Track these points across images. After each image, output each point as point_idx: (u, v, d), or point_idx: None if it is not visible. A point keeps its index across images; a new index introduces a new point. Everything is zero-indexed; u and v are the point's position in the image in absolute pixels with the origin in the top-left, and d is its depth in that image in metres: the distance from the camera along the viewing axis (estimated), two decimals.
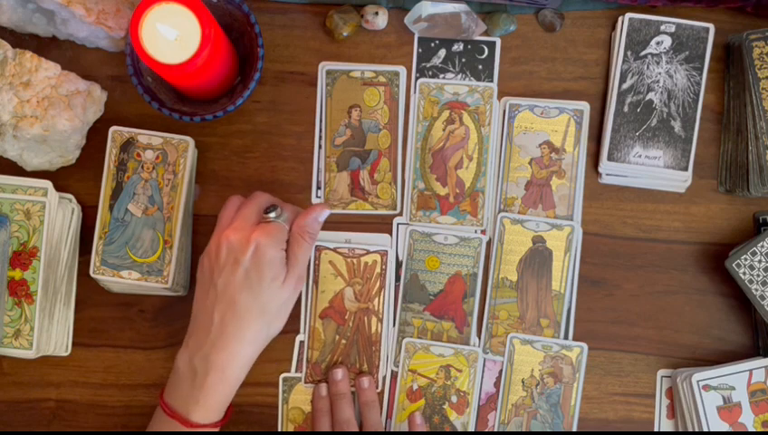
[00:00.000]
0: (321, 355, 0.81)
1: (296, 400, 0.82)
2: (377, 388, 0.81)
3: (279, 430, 0.82)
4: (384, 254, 0.81)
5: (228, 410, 0.74)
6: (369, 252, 0.81)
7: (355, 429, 0.79)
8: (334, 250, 0.81)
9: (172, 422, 0.72)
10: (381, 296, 0.81)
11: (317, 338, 0.81)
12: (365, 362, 0.81)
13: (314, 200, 0.83)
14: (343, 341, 0.81)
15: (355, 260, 0.81)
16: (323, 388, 0.81)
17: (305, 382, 0.81)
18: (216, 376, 0.71)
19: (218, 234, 0.74)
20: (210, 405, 0.72)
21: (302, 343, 0.82)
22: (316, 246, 0.81)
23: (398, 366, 0.82)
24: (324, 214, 0.76)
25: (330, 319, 0.81)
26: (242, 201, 0.75)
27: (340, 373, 0.80)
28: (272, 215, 0.73)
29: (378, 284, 0.81)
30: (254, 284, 0.71)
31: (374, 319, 0.81)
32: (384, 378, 0.82)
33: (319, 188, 0.83)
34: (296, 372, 0.82)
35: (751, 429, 0.78)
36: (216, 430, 0.73)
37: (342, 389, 0.80)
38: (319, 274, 0.82)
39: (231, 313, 0.71)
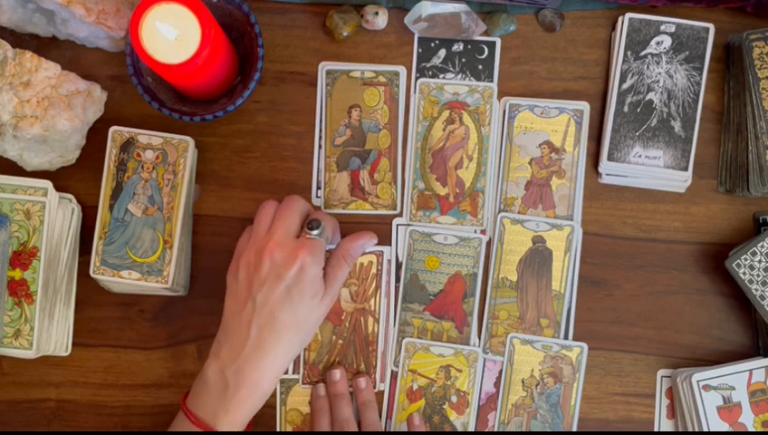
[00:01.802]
0: (318, 356, 0.81)
1: (294, 401, 0.82)
2: (374, 387, 0.81)
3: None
4: (380, 255, 0.81)
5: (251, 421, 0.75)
6: (364, 253, 0.81)
7: (354, 428, 0.79)
8: (328, 252, 0.81)
9: (195, 430, 0.71)
10: (378, 297, 0.81)
11: (314, 339, 0.81)
12: (362, 361, 0.81)
13: (314, 201, 0.83)
14: (340, 341, 0.81)
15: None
16: (321, 388, 0.81)
17: (303, 383, 0.81)
18: (249, 390, 0.72)
19: (257, 244, 0.73)
20: (238, 417, 0.72)
21: None
22: None
23: (398, 366, 0.82)
24: (371, 243, 0.79)
25: (326, 320, 0.81)
26: (277, 207, 0.75)
27: (338, 374, 0.80)
28: (315, 232, 0.74)
29: (374, 284, 0.81)
30: (296, 301, 0.72)
31: (371, 319, 0.81)
32: (381, 377, 0.82)
33: (319, 188, 0.83)
34: (293, 374, 0.82)
35: (751, 429, 0.78)
36: None
37: (341, 389, 0.80)
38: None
39: (269, 328, 0.71)
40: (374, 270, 0.81)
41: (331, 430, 0.79)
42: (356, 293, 0.81)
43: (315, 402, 0.81)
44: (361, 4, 0.83)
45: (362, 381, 0.80)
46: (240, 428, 0.73)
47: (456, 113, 0.83)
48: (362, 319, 0.81)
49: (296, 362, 0.82)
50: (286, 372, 0.82)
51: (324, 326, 0.81)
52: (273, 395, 0.82)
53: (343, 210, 0.83)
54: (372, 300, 0.81)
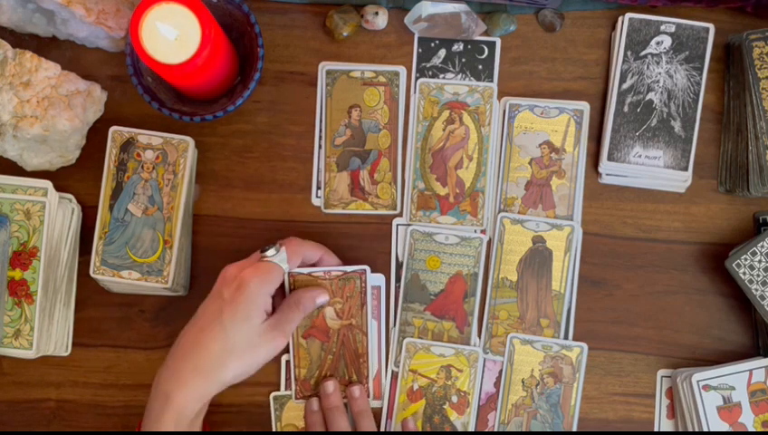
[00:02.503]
0: (308, 372, 0.81)
1: (289, 416, 0.82)
2: (368, 396, 0.81)
3: None
4: (362, 273, 0.80)
5: (205, 428, 0.74)
6: (346, 272, 0.79)
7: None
8: (308, 275, 0.79)
9: None
10: (363, 312, 0.80)
11: (303, 357, 0.80)
12: (354, 373, 0.81)
13: (314, 201, 0.83)
14: (330, 356, 0.80)
15: (332, 281, 0.79)
16: (314, 403, 0.80)
17: (296, 399, 0.81)
18: (162, 403, 0.69)
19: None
20: (160, 429, 0.69)
21: (288, 362, 0.81)
22: (289, 272, 0.78)
23: (398, 366, 0.82)
24: (323, 299, 0.77)
25: (314, 338, 0.80)
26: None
27: (331, 386, 0.79)
28: (268, 253, 0.74)
29: (358, 301, 0.80)
30: (225, 318, 0.70)
31: (359, 333, 0.80)
32: (376, 393, 0.82)
33: (319, 188, 0.83)
34: (286, 390, 0.82)
35: (751, 429, 0.78)
36: None
37: (334, 401, 0.79)
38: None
39: (195, 339, 0.71)
40: (357, 288, 0.80)
41: None
42: (341, 310, 0.80)
43: (309, 417, 0.80)
44: (361, 4, 0.83)
45: (356, 390, 0.80)
46: None
47: (456, 113, 0.83)
48: (350, 334, 0.80)
49: (287, 380, 0.82)
50: (278, 389, 0.82)
51: (312, 344, 0.80)
52: (268, 412, 0.81)
53: (343, 210, 0.83)
54: (358, 315, 0.80)
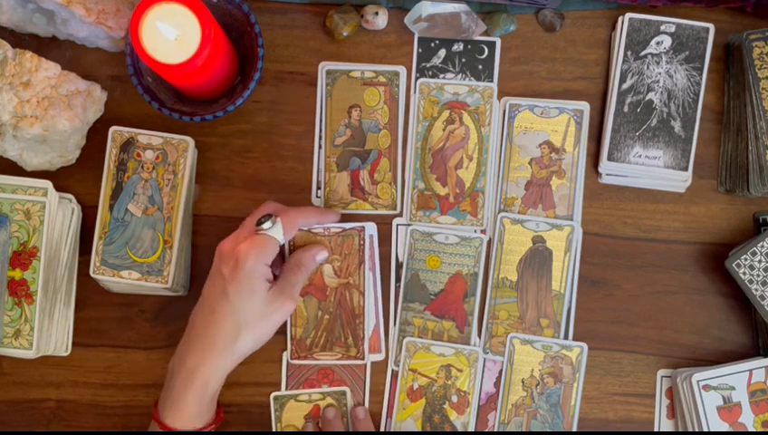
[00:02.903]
0: (304, 332, 0.81)
1: (289, 417, 0.82)
2: (363, 360, 0.81)
3: None
4: (361, 230, 0.80)
5: (218, 419, 0.75)
6: (344, 229, 0.80)
7: None
8: (308, 231, 0.80)
9: (154, 424, 0.73)
10: (361, 271, 0.81)
11: (299, 315, 0.81)
12: (350, 334, 0.81)
13: (314, 201, 0.83)
14: (326, 316, 0.81)
15: (331, 238, 0.80)
16: (330, 411, 0.81)
17: (291, 359, 0.81)
18: (185, 380, 0.71)
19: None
20: (180, 409, 0.72)
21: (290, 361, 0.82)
22: None
23: (398, 365, 0.82)
24: (323, 256, 0.79)
25: (311, 296, 0.81)
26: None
27: (362, 412, 0.80)
28: (264, 226, 0.74)
29: (356, 259, 0.81)
30: (231, 294, 0.71)
31: (356, 293, 0.81)
32: (373, 348, 0.82)
33: (319, 188, 0.83)
34: (287, 390, 0.82)
35: (751, 429, 0.78)
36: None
37: (363, 422, 0.80)
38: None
39: (207, 320, 0.72)
40: (356, 245, 0.81)
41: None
42: (339, 268, 0.81)
43: (326, 425, 0.81)
44: (361, 4, 0.83)
45: (360, 411, 0.81)
46: (189, 421, 0.72)
47: (456, 113, 0.83)
48: (347, 293, 0.81)
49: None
50: (279, 389, 0.82)
51: (309, 302, 0.81)
52: (268, 413, 0.82)
53: (343, 210, 0.83)
54: (356, 274, 0.81)
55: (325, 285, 0.81)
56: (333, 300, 0.81)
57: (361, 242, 0.80)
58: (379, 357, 0.82)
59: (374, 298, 0.82)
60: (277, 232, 0.74)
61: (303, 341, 0.81)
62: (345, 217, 0.82)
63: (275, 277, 0.75)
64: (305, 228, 0.79)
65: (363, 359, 0.81)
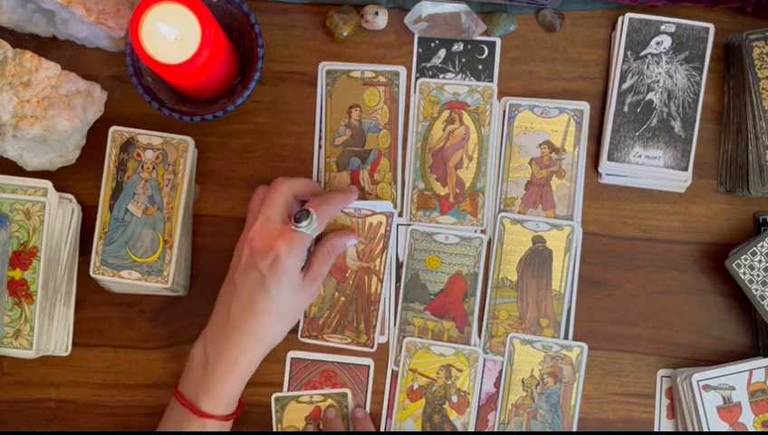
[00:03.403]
0: (319, 311, 0.81)
1: (290, 418, 0.82)
2: (372, 348, 0.81)
3: None
4: (389, 216, 0.81)
5: (239, 407, 0.76)
6: (374, 213, 0.81)
7: None
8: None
9: (184, 410, 0.73)
10: (383, 257, 0.81)
11: None
12: (362, 320, 0.81)
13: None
14: (342, 298, 0.81)
15: (360, 220, 0.81)
16: (331, 411, 0.81)
17: (301, 337, 0.82)
18: (226, 368, 0.73)
19: (245, 232, 0.76)
20: (219, 396, 0.73)
21: (292, 359, 0.82)
22: None
23: (398, 365, 0.82)
24: (353, 242, 0.80)
25: (330, 276, 0.81)
26: (266, 192, 0.76)
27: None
28: (302, 224, 0.74)
29: (381, 244, 0.81)
30: (272, 290, 0.73)
31: (374, 279, 0.81)
32: (381, 329, 0.82)
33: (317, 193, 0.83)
34: (288, 390, 0.82)
35: (751, 429, 0.78)
36: (228, 423, 0.75)
37: (336, 427, 0.81)
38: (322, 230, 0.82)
39: (247, 312, 0.73)
40: (383, 231, 0.81)
41: None
42: (362, 251, 0.81)
43: (327, 425, 0.81)
44: (361, 4, 0.83)
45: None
46: (223, 407, 0.74)
47: (456, 113, 0.83)
48: (366, 278, 0.81)
49: (285, 339, 0.81)
50: (280, 390, 0.82)
51: (328, 282, 0.81)
52: (269, 413, 0.82)
53: (343, 210, 0.83)
54: (378, 260, 0.81)
55: (346, 267, 0.81)
56: (352, 283, 0.81)
57: (388, 228, 0.81)
58: (383, 339, 0.82)
59: (388, 285, 0.82)
60: (314, 229, 0.75)
61: (317, 320, 0.81)
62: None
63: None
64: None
65: (372, 347, 0.81)
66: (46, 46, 0.83)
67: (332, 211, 0.78)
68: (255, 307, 0.73)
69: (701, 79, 0.80)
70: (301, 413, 0.82)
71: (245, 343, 0.73)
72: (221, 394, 0.73)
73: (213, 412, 0.73)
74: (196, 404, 0.73)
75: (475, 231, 0.82)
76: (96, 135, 0.82)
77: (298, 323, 0.82)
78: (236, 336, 0.73)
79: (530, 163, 0.82)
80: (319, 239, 0.79)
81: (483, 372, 0.82)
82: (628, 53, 0.81)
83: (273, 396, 0.82)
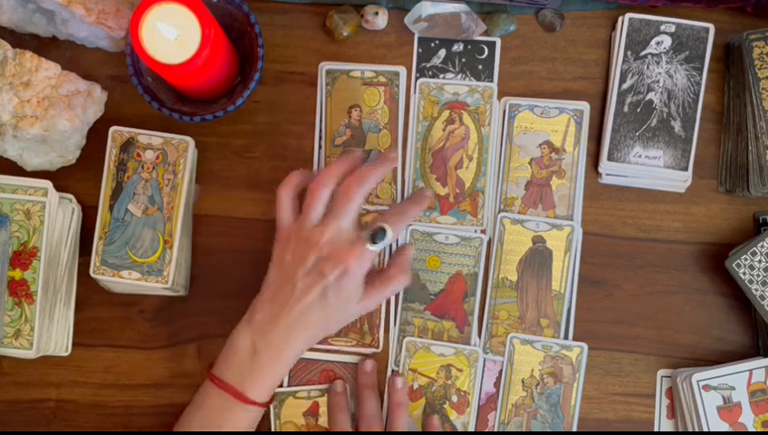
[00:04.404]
0: None
1: (288, 414, 0.82)
2: (378, 348, 0.81)
3: None
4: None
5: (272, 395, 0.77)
6: (368, 212, 0.81)
7: (381, 425, 0.79)
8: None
9: (225, 397, 0.73)
10: (382, 256, 0.81)
11: None
12: (365, 321, 0.81)
13: None
14: None
15: (359, 222, 0.81)
16: (339, 384, 0.81)
17: None
18: (275, 359, 0.73)
19: (309, 234, 0.73)
20: (266, 384, 0.74)
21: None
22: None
23: (398, 365, 0.82)
24: (411, 253, 0.81)
25: None
26: (333, 192, 0.74)
27: (369, 365, 0.81)
28: (377, 245, 0.72)
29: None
30: (330, 301, 0.73)
31: None
32: (383, 336, 0.82)
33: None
34: (288, 386, 0.82)
35: (751, 429, 0.78)
36: (262, 410, 0.75)
37: (371, 381, 0.80)
38: None
39: (301, 315, 0.73)
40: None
41: (351, 424, 0.80)
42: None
43: (333, 398, 0.81)
44: (361, 4, 0.83)
45: (399, 381, 0.81)
46: (265, 394, 0.74)
47: (456, 113, 0.83)
48: None
49: (292, 377, 0.82)
50: (281, 386, 0.82)
51: None
52: (267, 411, 0.81)
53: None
54: (377, 259, 0.81)
55: None
56: None
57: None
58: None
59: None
60: (384, 247, 0.75)
61: None
62: None
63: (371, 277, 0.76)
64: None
65: (378, 347, 0.81)
66: (46, 46, 0.83)
67: (407, 223, 0.79)
68: (310, 314, 0.73)
69: (701, 79, 0.81)
70: (299, 408, 0.82)
71: (295, 343, 0.74)
72: (268, 382, 0.74)
73: (258, 399, 0.73)
74: (241, 390, 0.72)
75: (475, 231, 0.82)
76: (96, 135, 0.82)
77: None
78: (287, 335, 0.73)
79: (530, 163, 0.82)
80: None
81: (483, 372, 0.82)
82: (628, 53, 0.81)
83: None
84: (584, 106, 0.82)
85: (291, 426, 0.82)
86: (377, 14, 0.82)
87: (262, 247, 0.79)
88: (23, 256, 0.78)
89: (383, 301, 0.79)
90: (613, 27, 0.83)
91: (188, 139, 0.80)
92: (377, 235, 0.73)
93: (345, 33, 0.82)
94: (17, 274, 0.78)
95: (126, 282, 0.79)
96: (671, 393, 0.82)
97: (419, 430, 0.82)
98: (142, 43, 0.70)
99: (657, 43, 0.81)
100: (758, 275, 0.78)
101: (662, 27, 0.81)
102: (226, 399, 0.72)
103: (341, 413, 0.80)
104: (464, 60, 0.83)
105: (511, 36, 0.83)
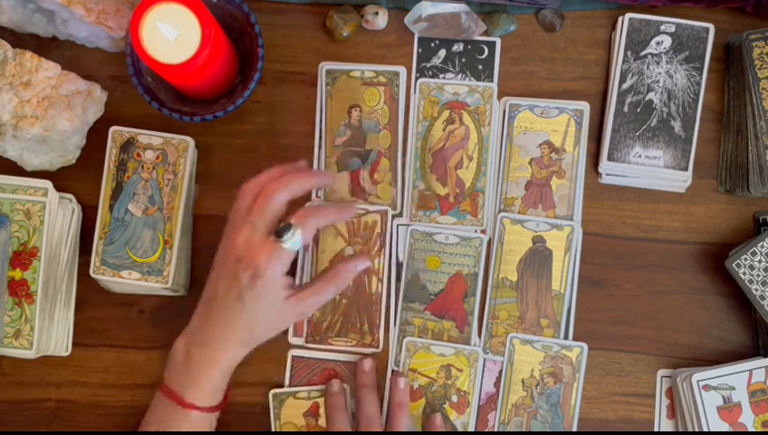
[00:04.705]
0: (321, 315, 0.81)
1: (288, 414, 0.82)
2: (378, 348, 0.81)
3: None
4: (384, 213, 0.81)
5: (226, 396, 0.76)
6: (368, 212, 0.81)
7: (380, 425, 0.79)
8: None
9: (169, 403, 0.73)
10: (381, 256, 0.81)
11: None
12: (366, 321, 0.81)
13: (314, 199, 0.83)
14: (344, 300, 0.81)
15: (355, 220, 0.81)
16: (336, 384, 0.81)
17: (306, 342, 0.82)
18: (208, 363, 0.73)
19: (230, 233, 0.73)
20: (202, 388, 0.74)
21: (294, 358, 0.82)
22: (316, 205, 0.82)
23: (398, 365, 0.82)
24: (364, 265, 0.78)
25: None
26: (255, 195, 0.73)
27: (368, 364, 0.80)
28: (284, 239, 0.71)
29: (378, 243, 0.81)
30: (248, 303, 0.72)
31: (374, 278, 0.81)
32: (385, 328, 0.82)
33: (319, 188, 0.83)
34: (289, 387, 0.82)
35: (751, 429, 0.78)
36: (214, 415, 0.75)
37: (370, 381, 0.80)
38: (319, 233, 0.82)
39: (223, 319, 0.73)
40: (378, 229, 0.81)
41: (351, 424, 0.80)
42: (360, 252, 0.81)
43: (331, 398, 0.80)
44: (361, 4, 0.83)
45: (402, 382, 0.80)
46: (209, 398, 0.74)
47: (456, 113, 0.83)
48: (366, 278, 0.81)
49: (300, 322, 0.82)
50: (281, 386, 0.82)
51: None
52: (267, 411, 0.82)
53: (357, 205, 0.83)
54: (377, 259, 0.81)
55: None
56: (352, 284, 0.81)
57: (384, 226, 0.81)
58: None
59: (388, 283, 0.82)
60: (297, 244, 0.73)
61: (320, 324, 0.81)
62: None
63: (299, 283, 0.77)
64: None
65: (378, 347, 0.81)
66: (46, 46, 0.83)
67: (320, 224, 0.75)
68: (230, 315, 0.73)
69: (701, 79, 0.81)
70: (299, 409, 0.82)
71: (224, 343, 0.73)
72: (206, 386, 0.74)
73: (198, 403, 0.73)
74: (181, 395, 0.73)
75: (475, 231, 0.82)
76: (96, 135, 0.82)
77: (302, 331, 0.82)
78: (213, 338, 0.73)
79: (530, 163, 0.82)
80: None
81: (483, 371, 0.82)
82: (628, 53, 0.81)
83: (271, 392, 0.82)
84: (584, 106, 0.82)
85: (291, 426, 0.82)
86: (377, 14, 0.82)
87: None
88: (23, 256, 0.78)
89: (318, 304, 0.75)
90: (613, 27, 0.83)
91: (188, 139, 0.80)
92: (282, 230, 0.71)
93: (345, 33, 0.82)
94: (17, 274, 0.78)
95: (126, 282, 0.79)
96: (671, 393, 0.82)
97: (419, 430, 0.82)
98: (142, 43, 0.70)
99: (657, 43, 0.81)
100: (758, 275, 0.78)
101: (662, 27, 0.81)
102: (170, 405, 0.73)
103: (339, 413, 0.80)
104: (464, 60, 0.83)
105: (511, 36, 0.83)
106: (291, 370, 0.82)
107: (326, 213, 0.76)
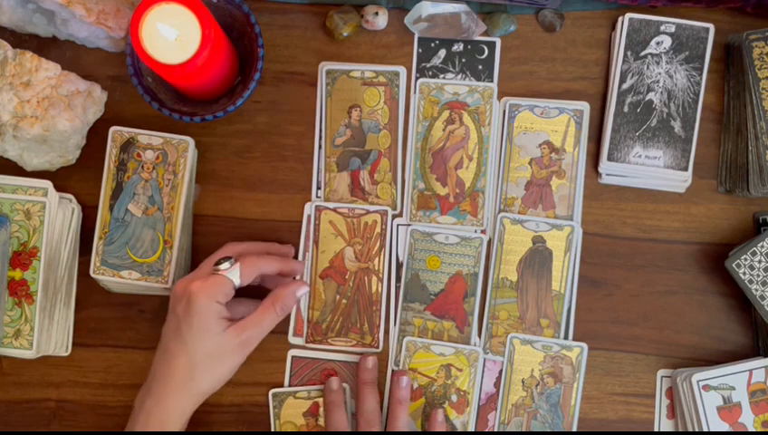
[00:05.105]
0: (321, 315, 0.82)
1: (288, 414, 0.82)
2: (378, 348, 0.81)
3: None
4: (384, 214, 0.81)
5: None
6: (368, 212, 0.81)
7: (380, 422, 0.78)
8: (334, 210, 0.82)
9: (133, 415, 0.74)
10: (381, 256, 0.81)
11: (317, 298, 0.81)
12: (366, 321, 0.81)
13: (314, 199, 0.83)
14: (344, 301, 0.81)
15: (355, 220, 0.81)
16: (334, 382, 0.81)
17: (306, 343, 0.82)
18: (144, 420, 0.72)
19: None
20: (168, 405, 0.73)
21: (293, 357, 0.82)
22: (316, 205, 0.82)
23: (398, 365, 0.82)
24: (303, 292, 0.78)
25: (330, 279, 0.81)
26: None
27: (371, 361, 0.80)
28: (221, 267, 0.74)
29: (378, 243, 0.81)
30: (184, 332, 0.72)
31: (374, 278, 0.81)
32: (385, 329, 0.82)
33: (319, 188, 0.83)
34: (288, 386, 0.82)
35: (751, 429, 0.78)
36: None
37: (371, 378, 0.80)
38: (319, 234, 0.82)
39: (163, 360, 0.73)
40: (378, 229, 0.81)
41: (349, 422, 0.80)
42: (360, 252, 0.81)
43: (329, 396, 0.80)
44: (361, 4, 0.83)
45: (404, 379, 0.80)
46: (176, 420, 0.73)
47: (456, 113, 0.83)
48: (366, 278, 0.81)
49: (300, 322, 0.82)
50: (282, 386, 0.82)
51: (328, 285, 0.81)
52: (267, 411, 0.81)
53: (337, 210, 0.83)
54: (376, 259, 0.81)
55: (345, 269, 0.81)
56: (352, 285, 0.81)
57: (384, 226, 0.81)
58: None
59: (388, 283, 0.82)
60: (234, 274, 0.73)
61: (320, 324, 0.81)
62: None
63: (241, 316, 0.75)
64: (269, 272, 0.77)
65: (378, 347, 0.81)
66: (46, 46, 0.83)
67: (263, 266, 0.75)
68: (169, 353, 0.72)
69: (701, 79, 0.81)
70: (299, 409, 0.82)
71: (160, 394, 0.72)
72: (171, 405, 0.72)
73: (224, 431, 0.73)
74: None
75: (475, 231, 0.82)
76: (96, 135, 0.82)
77: (302, 331, 0.82)
78: (153, 387, 0.73)
79: (530, 163, 0.82)
80: None
81: (483, 371, 0.82)
82: (628, 53, 0.81)
83: (271, 392, 0.82)
84: (584, 106, 0.82)
85: (290, 426, 0.82)
86: (377, 14, 0.82)
87: None
88: (23, 256, 0.78)
89: (260, 335, 0.74)
90: (613, 27, 0.83)
91: (188, 139, 0.80)
92: (220, 260, 0.74)
93: (345, 33, 0.82)
94: (17, 274, 0.78)
95: (126, 282, 0.79)
96: (671, 393, 0.82)
97: (418, 429, 0.82)
98: (142, 44, 0.70)
99: (657, 44, 0.81)
100: (758, 275, 0.78)
101: (662, 27, 0.81)
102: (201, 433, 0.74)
103: (338, 411, 0.80)
104: (464, 60, 0.83)
105: (511, 36, 0.83)
106: (291, 370, 0.82)
107: (270, 262, 0.76)
